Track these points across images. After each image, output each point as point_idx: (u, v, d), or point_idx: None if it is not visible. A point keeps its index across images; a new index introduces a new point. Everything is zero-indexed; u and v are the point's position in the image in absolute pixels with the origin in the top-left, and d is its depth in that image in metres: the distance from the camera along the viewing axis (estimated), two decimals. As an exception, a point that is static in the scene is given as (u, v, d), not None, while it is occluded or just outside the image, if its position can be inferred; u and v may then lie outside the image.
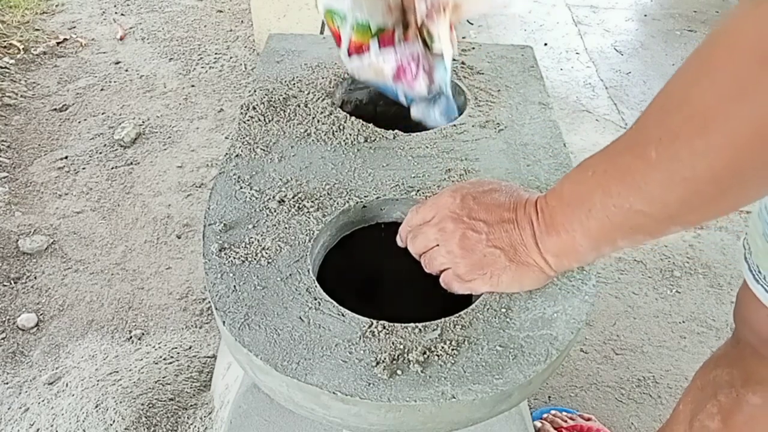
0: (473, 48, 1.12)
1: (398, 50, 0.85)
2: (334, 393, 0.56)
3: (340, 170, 0.82)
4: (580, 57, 2.70)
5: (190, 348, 1.40)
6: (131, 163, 1.96)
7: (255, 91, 0.96)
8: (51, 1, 2.85)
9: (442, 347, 0.60)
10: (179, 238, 1.71)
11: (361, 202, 0.77)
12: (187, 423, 1.24)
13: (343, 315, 0.64)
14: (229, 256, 0.69)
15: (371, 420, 0.58)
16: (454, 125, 0.93)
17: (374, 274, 1.07)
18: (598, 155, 0.51)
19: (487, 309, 0.65)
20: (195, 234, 1.72)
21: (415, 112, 0.92)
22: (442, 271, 0.65)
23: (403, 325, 0.63)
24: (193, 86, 2.34)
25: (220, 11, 2.85)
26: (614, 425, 1.31)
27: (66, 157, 1.96)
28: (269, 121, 0.90)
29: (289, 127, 0.89)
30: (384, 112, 1.09)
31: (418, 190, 0.79)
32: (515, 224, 0.59)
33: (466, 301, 0.69)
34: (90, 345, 1.41)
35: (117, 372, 1.34)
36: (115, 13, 2.81)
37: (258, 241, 0.71)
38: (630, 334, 1.50)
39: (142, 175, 1.91)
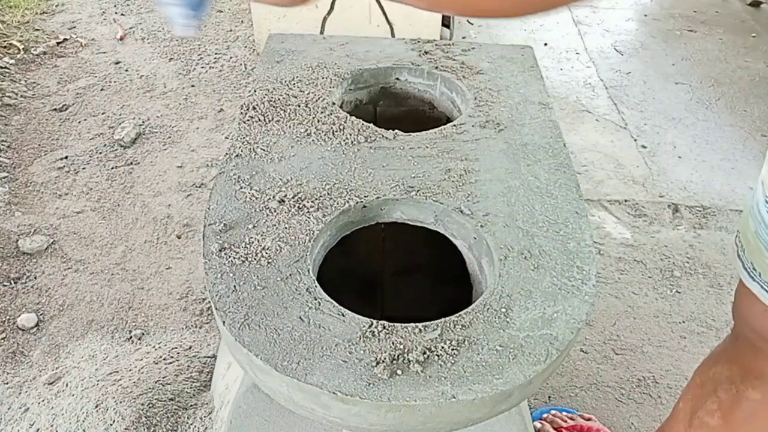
0: (473, 48, 1.12)
1: None
2: (334, 393, 0.56)
3: (340, 170, 0.82)
4: (580, 57, 2.70)
5: (190, 348, 1.40)
6: (131, 163, 1.96)
7: (255, 91, 0.96)
8: (51, 1, 2.85)
9: (442, 347, 0.60)
10: (179, 238, 1.71)
11: (361, 202, 0.77)
12: (187, 423, 1.24)
13: (343, 315, 0.64)
14: (229, 256, 0.69)
15: (371, 420, 0.58)
16: (454, 125, 0.92)
17: (374, 274, 1.07)
18: None
19: (487, 309, 0.65)
20: (195, 234, 1.72)
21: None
22: None
23: (403, 325, 0.63)
24: (193, 86, 2.34)
25: (220, 11, 2.85)
26: (614, 425, 1.31)
27: (66, 157, 1.96)
28: (269, 121, 0.90)
29: (289, 127, 0.89)
30: (384, 112, 1.09)
31: (418, 190, 0.79)
32: None
33: (466, 301, 0.69)
34: (90, 345, 1.41)
35: (117, 372, 1.34)
36: (115, 13, 2.81)
37: (258, 241, 0.71)
38: (630, 334, 1.50)
39: (142, 175, 1.91)
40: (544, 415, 1.25)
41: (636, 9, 3.17)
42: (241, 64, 2.47)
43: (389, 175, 0.82)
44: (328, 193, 0.78)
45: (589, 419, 1.26)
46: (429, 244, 0.91)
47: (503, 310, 0.65)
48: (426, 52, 1.08)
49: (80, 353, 1.39)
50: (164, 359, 1.37)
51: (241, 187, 0.79)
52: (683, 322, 1.54)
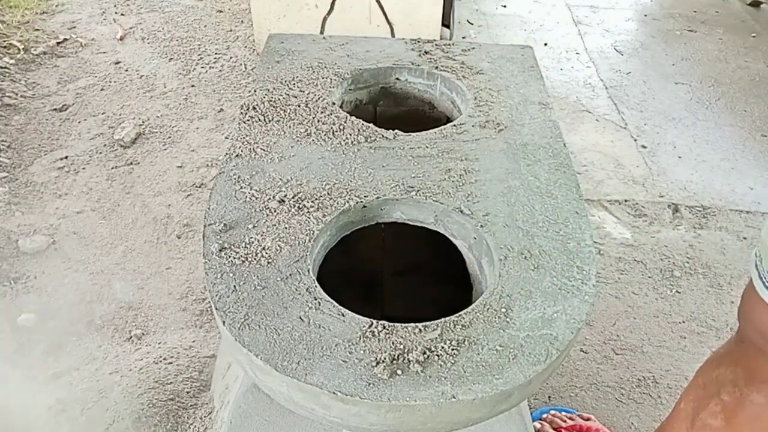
0: (473, 48, 1.12)
1: None
2: (334, 393, 0.56)
3: (340, 170, 0.82)
4: (580, 57, 2.70)
5: (190, 348, 1.40)
6: (131, 163, 1.96)
7: (255, 91, 0.96)
8: (51, 1, 2.85)
9: (442, 347, 0.60)
10: (179, 238, 1.71)
11: (361, 202, 0.77)
12: (187, 423, 1.24)
13: (343, 315, 0.64)
14: (229, 256, 0.69)
15: (371, 420, 0.58)
16: (454, 125, 0.92)
17: (374, 274, 1.07)
18: None
19: (487, 309, 0.65)
20: (195, 234, 1.72)
21: None
22: None
23: (403, 325, 0.63)
24: (193, 86, 2.34)
25: (220, 11, 2.85)
26: (614, 425, 1.31)
27: (66, 157, 1.96)
28: (269, 121, 0.90)
29: (289, 127, 0.89)
30: (384, 112, 1.09)
31: (418, 190, 0.79)
32: None
33: (466, 301, 0.69)
34: (90, 345, 1.41)
35: (117, 372, 1.34)
36: (115, 13, 2.81)
37: (258, 241, 0.71)
38: (630, 334, 1.50)
39: (142, 175, 1.91)
40: (544, 416, 1.25)
41: (636, 9, 3.17)
42: (241, 64, 2.47)
43: (389, 175, 0.82)
44: (328, 193, 0.78)
45: (588, 419, 1.25)
46: (429, 244, 0.91)
47: (503, 310, 0.65)
48: (426, 52, 1.08)
49: (80, 353, 1.39)
50: (164, 359, 1.37)
51: (241, 187, 0.79)
52: (683, 322, 1.54)
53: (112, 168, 1.93)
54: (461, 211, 0.76)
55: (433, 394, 0.56)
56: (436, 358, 0.60)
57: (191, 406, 1.27)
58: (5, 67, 2.33)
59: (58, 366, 1.36)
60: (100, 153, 1.99)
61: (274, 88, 0.97)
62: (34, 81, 2.32)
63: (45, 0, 2.84)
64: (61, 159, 1.95)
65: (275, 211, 0.75)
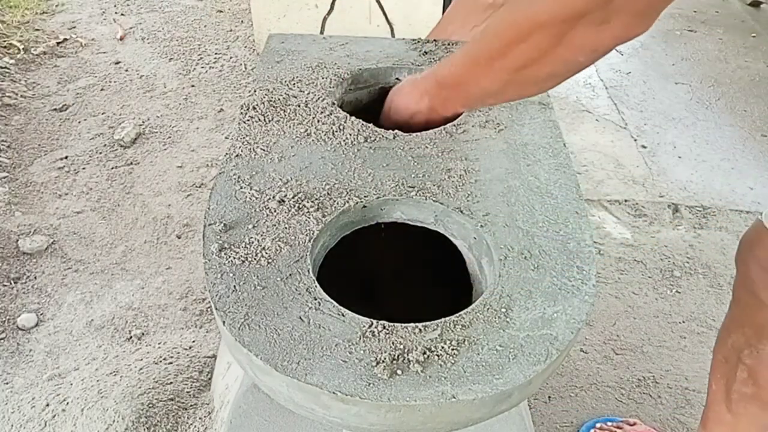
0: (473, 48, 1.12)
1: None
2: (334, 393, 0.56)
3: (340, 170, 0.82)
4: (580, 57, 2.70)
5: (190, 348, 1.40)
6: (131, 163, 1.96)
7: (255, 91, 0.96)
8: (51, 1, 2.85)
9: (442, 347, 0.60)
10: (179, 238, 1.71)
11: (361, 202, 0.77)
12: (187, 423, 1.24)
13: (343, 315, 0.64)
14: (229, 256, 0.69)
15: (371, 420, 0.58)
16: (454, 125, 0.92)
17: (374, 274, 1.07)
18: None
19: (487, 309, 0.65)
20: (195, 234, 1.72)
21: None
22: None
23: (403, 325, 0.63)
24: (193, 86, 2.34)
25: (220, 11, 2.86)
26: (614, 425, 1.31)
27: (66, 157, 1.96)
28: (269, 121, 0.90)
29: (289, 127, 0.89)
30: (384, 112, 1.09)
31: (418, 190, 0.79)
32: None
33: (466, 301, 0.69)
34: (90, 345, 1.41)
35: (117, 372, 1.34)
36: (115, 13, 2.81)
37: (258, 241, 0.71)
38: (630, 334, 1.50)
39: (142, 175, 1.91)
40: (591, 431, 1.26)
41: (636, 9, 3.17)
42: (241, 64, 2.47)
43: (389, 175, 0.82)
44: (328, 193, 0.78)
45: (634, 424, 1.26)
46: (429, 244, 0.91)
47: (503, 310, 0.65)
48: (426, 52, 1.08)
49: (80, 353, 1.39)
50: (164, 359, 1.37)
51: (241, 187, 0.79)
52: (683, 322, 1.54)
53: (112, 168, 1.94)
54: (461, 211, 0.77)
55: (433, 394, 0.56)
56: (436, 358, 0.59)
57: (191, 406, 1.27)
58: (5, 67, 2.33)
59: (58, 366, 1.36)
60: (100, 153, 1.99)
61: (274, 88, 0.97)
62: (34, 81, 2.32)
63: (45, 0, 2.84)
64: (61, 159, 1.96)
65: (275, 211, 0.75)
